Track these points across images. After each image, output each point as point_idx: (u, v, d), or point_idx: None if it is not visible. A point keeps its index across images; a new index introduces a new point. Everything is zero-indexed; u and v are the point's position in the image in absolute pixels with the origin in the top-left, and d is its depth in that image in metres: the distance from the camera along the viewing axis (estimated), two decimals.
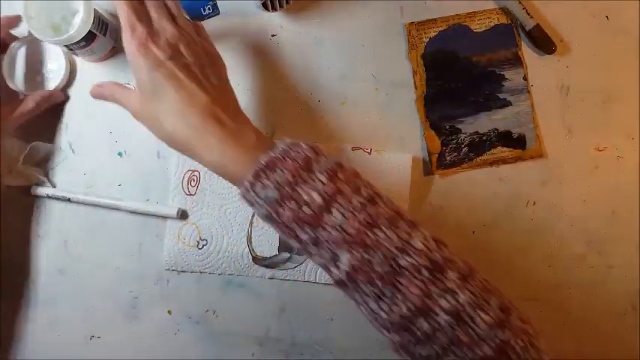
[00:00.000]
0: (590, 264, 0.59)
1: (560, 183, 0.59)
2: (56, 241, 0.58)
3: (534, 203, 0.59)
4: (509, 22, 0.60)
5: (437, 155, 0.59)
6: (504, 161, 0.59)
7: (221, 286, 0.58)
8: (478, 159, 0.59)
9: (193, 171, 0.58)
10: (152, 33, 0.45)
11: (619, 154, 0.60)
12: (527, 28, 0.59)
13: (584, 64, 0.60)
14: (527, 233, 0.59)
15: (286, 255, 0.57)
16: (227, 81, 0.49)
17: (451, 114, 0.59)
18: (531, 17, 0.59)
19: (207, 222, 0.58)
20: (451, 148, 0.59)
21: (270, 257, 0.57)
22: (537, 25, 0.59)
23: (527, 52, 0.60)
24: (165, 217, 0.58)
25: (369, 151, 0.57)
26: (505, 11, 0.60)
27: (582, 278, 0.59)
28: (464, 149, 0.59)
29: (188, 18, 0.50)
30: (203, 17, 0.59)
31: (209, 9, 0.59)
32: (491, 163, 0.59)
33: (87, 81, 0.58)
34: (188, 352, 0.58)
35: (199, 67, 0.46)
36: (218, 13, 0.59)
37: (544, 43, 0.59)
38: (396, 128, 0.59)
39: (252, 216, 0.58)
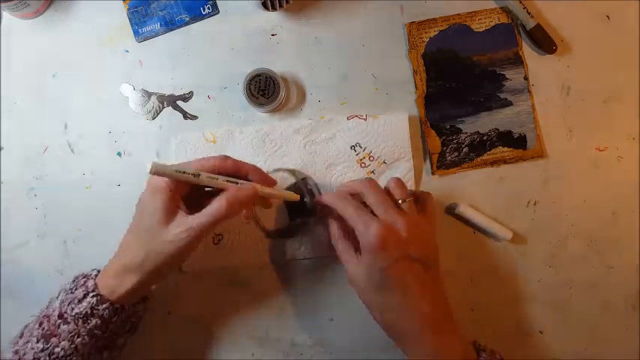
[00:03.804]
0: (590, 264, 0.59)
1: (561, 183, 0.59)
2: (56, 241, 0.58)
3: (535, 203, 0.59)
4: (510, 21, 0.60)
5: (437, 155, 0.59)
6: (505, 161, 0.59)
7: (221, 286, 0.58)
8: (479, 159, 0.59)
9: None
10: (389, 227, 0.47)
11: (619, 154, 0.60)
12: (527, 28, 0.59)
13: (584, 64, 0.60)
14: (528, 233, 0.59)
15: (297, 220, 0.57)
16: (442, 281, 0.50)
17: (452, 114, 0.59)
18: (532, 17, 0.58)
19: None
20: (451, 148, 0.59)
21: (284, 227, 0.57)
22: (538, 25, 0.59)
23: (527, 51, 0.60)
24: None
25: (364, 117, 0.58)
26: (506, 11, 0.60)
27: (582, 278, 0.59)
28: (464, 149, 0.59)
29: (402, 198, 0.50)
30: (203, 17, 0.60)
31: (208, 8, 0.59)
32: (492, 163, 0.59)
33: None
34: (188, 352, 0.58)
35: (425, 268, 0.48)
36: (217, 13, 0.60)
37: (545, 42, 0.59)
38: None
39: None
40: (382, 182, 0.57)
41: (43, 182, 0.58)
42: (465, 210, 0.57)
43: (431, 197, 0.52)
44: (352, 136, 0.57)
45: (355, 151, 0.57)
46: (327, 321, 0.58)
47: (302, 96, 0.59)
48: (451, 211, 0.58)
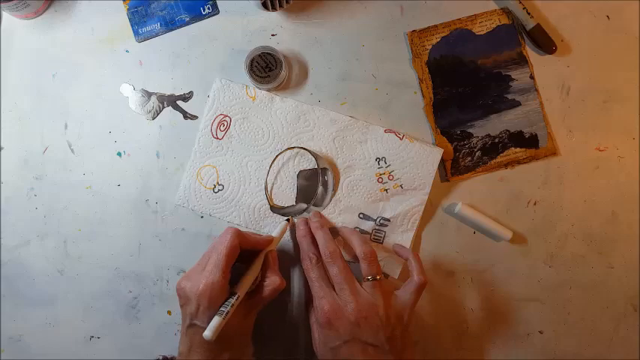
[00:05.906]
0: (590, 264, 0.59)
1: (561, 183, 0.59)
2: (56, 241, 0.58)
3: (535, 203, 0.59)
4: (511, 22, 0.60)
5: (450, 162, 0.58)
6: (519, 162, 0.59)
7: None
8: (492, 162, 0.59)
9: (225, 116, 0.58)
10: (337, 308, 0.47)
11: (620, 154, 0.60)
12: (527, 28, 0.59)
13: (584, 64, 0.60)
14: (528, 233, 0.59)
15: (303, 205, 0.57)
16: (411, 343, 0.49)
17: (461, 119, 0.59)
18: (532, 17, 0.58)
19: (228, 168, 0.58)
20: (464, 153, 0.58)
21: (288, 207, 0.58)
22: (538, 25, 0.59)
23: (527, 52, 0.60)
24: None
25: (401, 136, 0.58)
26: (506, 11, 0.60)
27: (582, 278, 0.59)
28: (477, 153, 0.58)
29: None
30: (203, 17, 0.60)
31: (208, 8, 0.59)
32: (506, 165, 0.59)
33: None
34: None
35: (382, 353, 0.47)
36: (217, 13, 0.60)
37: (544, 43, 0.59)
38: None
39: (270, 166, 0.57)
40: (392, 204, 0.57)
41: (43, 182, 0.58)
42: (464, 210, 0.57)
43: (420, 278, 0.50)
44: (382, 149, 0.57)
45: (379, 164, 0.57)
46: None
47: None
48: (451, 211, 0.58)
